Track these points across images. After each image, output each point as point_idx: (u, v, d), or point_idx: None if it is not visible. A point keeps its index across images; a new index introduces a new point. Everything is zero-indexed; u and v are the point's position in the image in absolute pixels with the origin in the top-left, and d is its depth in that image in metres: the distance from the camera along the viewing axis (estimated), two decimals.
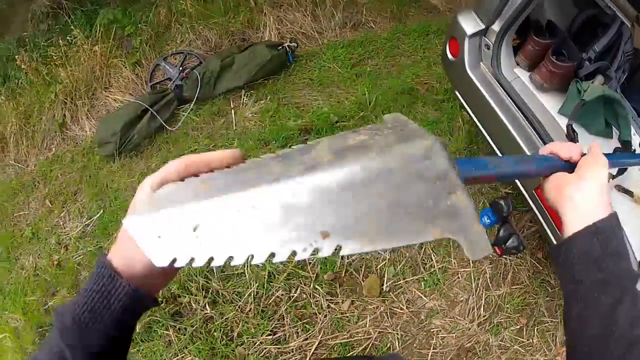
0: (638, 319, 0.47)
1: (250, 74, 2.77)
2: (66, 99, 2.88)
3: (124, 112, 2.62)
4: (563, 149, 0.62)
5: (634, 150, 1.57)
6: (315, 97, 2.83)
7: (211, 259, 0.40)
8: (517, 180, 1.86)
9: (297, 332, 1.91)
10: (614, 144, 1.64)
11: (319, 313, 1.95)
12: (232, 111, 2.78)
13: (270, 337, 1.89)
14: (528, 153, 1.71)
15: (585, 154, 0.62)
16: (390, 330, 1.92)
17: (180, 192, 0.41)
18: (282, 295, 1.98)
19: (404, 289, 2.02)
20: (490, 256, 2.09)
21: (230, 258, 0.40)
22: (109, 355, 0.42)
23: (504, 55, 1.86)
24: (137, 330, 1.90)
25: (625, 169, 1.49)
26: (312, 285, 1.99)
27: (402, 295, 2.00)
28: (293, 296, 1.98)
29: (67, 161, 2.80)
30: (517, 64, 1.89)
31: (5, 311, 2.27)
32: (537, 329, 1.92)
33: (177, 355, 1.87)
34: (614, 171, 1.48)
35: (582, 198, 0.55)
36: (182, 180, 0.42)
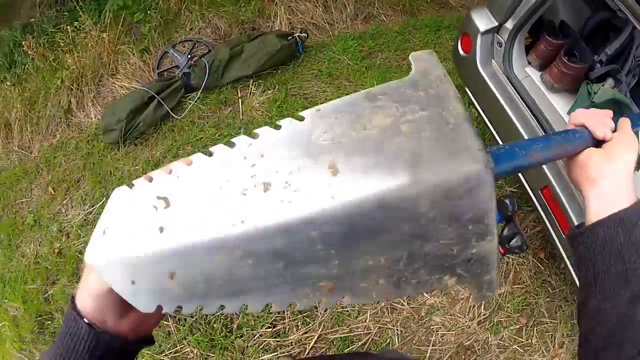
0: None
1: (259, 63, 2.74)
2: (72, 85, 2.86)
3: (130, 99, 2.61)
4: (598, 126, 0.55)
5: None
6: (323, 89, 2.81)
7: (201, 308, 0.36)
8: (522, 179, 1.85)
9: (297, 326, 1.91)
10: None
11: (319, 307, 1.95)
12: (240, 100, 2.77)
13: (270, 329, 1.90)
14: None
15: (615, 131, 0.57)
16: (390, 326, 1.93)
17: (138, 218, 0.35)
18: None
19: None
20: None
21: (222, 307, 0.36)
22: None
23: (515, 54, 1.85)
24: None
25: None
26: None
27: None
28: None
29: (71, 148, 2.79)
30: (529, 63, 1.88)
31: (4, 299, 2.28)
32: (536, 330, 1.92)
33: (176, 346, 1.88)
34: None
35: (609, 183, 0.51)
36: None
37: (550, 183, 1.61)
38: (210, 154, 0.35)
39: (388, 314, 1.95)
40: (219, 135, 2.59)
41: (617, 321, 0.46)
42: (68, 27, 2.93)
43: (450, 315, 1.95)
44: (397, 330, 1.92)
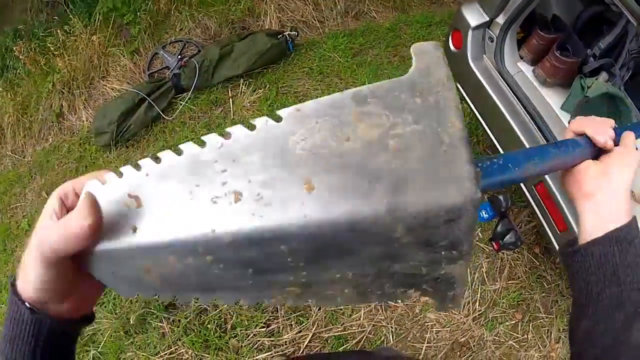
0: None
1: (249, 62, 2.73)
2: (63, 88, 2.85)
3: (121, 101, 2.59)
4: (599, 133, 0.51)
5: (637, 148, 1.54)
6: (314, 87, 2.80)
7: (175, 298, 0.37)
8: None
9: (291, 325, 1.91)
10: None
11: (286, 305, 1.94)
12: (230, 100, 2.75)
13: (264, 329, 1.89)
14: (528, 146, 1.68)
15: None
16: (384, 324, 1.92)
17: (112, 215, 0.35)
18: None
19: None
20: (487, 250, 2.08)
21: (196, 299, 0.37)
22: None
23: (507, 49, 1.83)
24: (132, 322, 1.91)
25: None
26: None
27: None
28: None
29: (63, 151, 2.78)
30: (521, 58, 1.86)
31: (1, 304, 2.27)
32: (532, 325, 1.92)
33: (171, 347, 1.87)
34: None
35: (605, 200, 0.48)
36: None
37: (545, 179, 1.60)
38: (180, 153, 0.34)
39: (382, 311, 1.94)
40: None
41: (611, 344, 0.45)
42: (58, 30, 2.93)
43: (445, 311, 1.95)
44: (392, 327, 1.91)
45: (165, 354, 1.87)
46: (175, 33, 3.06)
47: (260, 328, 1.89)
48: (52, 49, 2.89)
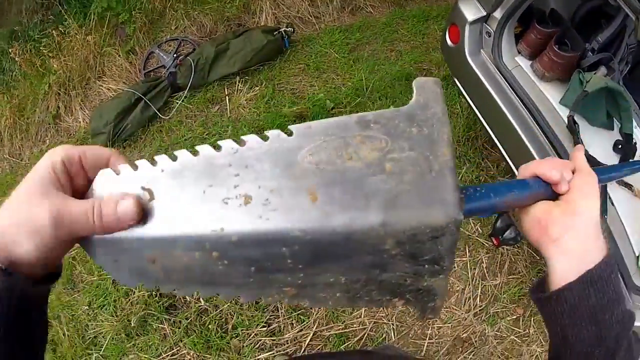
0: None
1: (245, 60, 2.71)
2: (60, 89, 2.84)
3: (117, 101, 2.58)
4: (552, 171, 0.46)
5: (635, 143, 1.54)
6: (311, 83, 2.79)
7: (177, 290, 0.39)
8: (514, 169, 1.84)
9: (292, 324, 1.91)
10: (615, 136, 1.62)
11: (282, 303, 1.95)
12: (227, 98, 2.74)
13: (265, 328, 1.89)
14: (526, 141, 1.68)
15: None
16: (385, 321, 1.92)
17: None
18: None
19: None
20: (487, 246, 2.08)
21: (197, 292, 0.39)
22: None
23: (505, 43, 1.82)
24: (133, 324, 1.91)
25: None
26: None
27: None
28: None
29: None
30: (519, 52, 1.85)
31: None
32: (533, 320, 1.92)
33: (173, 349, 1.88)
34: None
35: (574, 240, 0.44)
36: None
37: None
38: (196, 153, 0.37)
39: (383, 308, 1.94)
40: (207, 134, 2.57)
41: None
42: (54, 31, 2.91)
43: (446, 307, 1.95)
44: (393, 324, 1.91)
45: (167, 355, 1.87)
46: (170, 31, 3.04)
47: (261, 327, 1.89)
48: (47, 49, 2.87)
